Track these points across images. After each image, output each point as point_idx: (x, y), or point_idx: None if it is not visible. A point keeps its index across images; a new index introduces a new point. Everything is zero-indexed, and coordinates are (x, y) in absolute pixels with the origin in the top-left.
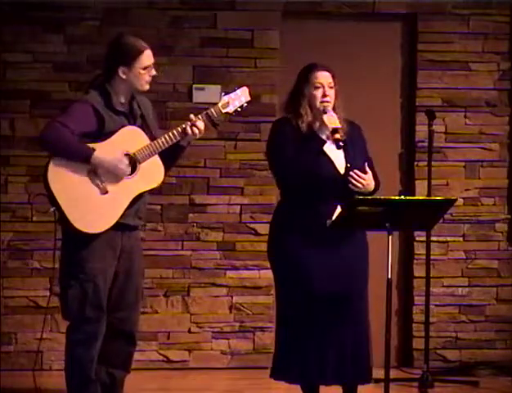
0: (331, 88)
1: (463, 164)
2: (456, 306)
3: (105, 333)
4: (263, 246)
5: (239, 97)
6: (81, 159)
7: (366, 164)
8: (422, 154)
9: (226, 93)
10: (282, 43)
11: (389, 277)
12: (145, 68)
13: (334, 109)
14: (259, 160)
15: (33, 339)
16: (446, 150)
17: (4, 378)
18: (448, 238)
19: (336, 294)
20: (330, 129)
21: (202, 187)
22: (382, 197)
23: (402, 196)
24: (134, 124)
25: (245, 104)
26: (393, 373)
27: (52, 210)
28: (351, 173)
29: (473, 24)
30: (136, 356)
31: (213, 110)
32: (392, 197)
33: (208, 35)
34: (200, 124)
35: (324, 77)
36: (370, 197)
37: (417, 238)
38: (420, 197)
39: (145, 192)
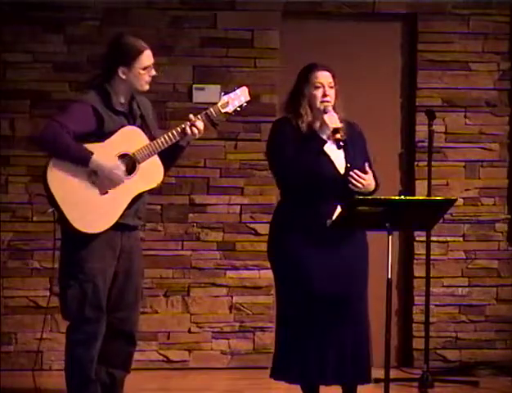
0: (331, 87)
1: (463, 164)
2: (456, 306)
3: (105, 333)
4: (263, 246)
5: (238, 97)
6: (79, 162)
7: (367, 164)
8: (422, 154)
9: (226, 93)
10: (282, 43)
11: (389, 277)
12: (144, 68)
13: (334, 109)
14: (259, 160)
15: (33, 339)
16: (446, 150)
17: (4, 378)
18: (448, 238)
19: (336, 294)
20: (331, 129)
21: (202, 187)
22: (382, 197)
23: (402, 196)
24: (134, 124)
25: (245, 104)
26: (393, 373)
27: (51, 210)
28: (351, 173)
29: (473, 24)
30: (136, 356)
31: (212, 109)
32: (392, 197)
33: (208, 35)
34: (200, 124)
35: (324, 77)
36: (370, 197)
37: (417, 238)
38: (420, 197)
39: (144, 192)
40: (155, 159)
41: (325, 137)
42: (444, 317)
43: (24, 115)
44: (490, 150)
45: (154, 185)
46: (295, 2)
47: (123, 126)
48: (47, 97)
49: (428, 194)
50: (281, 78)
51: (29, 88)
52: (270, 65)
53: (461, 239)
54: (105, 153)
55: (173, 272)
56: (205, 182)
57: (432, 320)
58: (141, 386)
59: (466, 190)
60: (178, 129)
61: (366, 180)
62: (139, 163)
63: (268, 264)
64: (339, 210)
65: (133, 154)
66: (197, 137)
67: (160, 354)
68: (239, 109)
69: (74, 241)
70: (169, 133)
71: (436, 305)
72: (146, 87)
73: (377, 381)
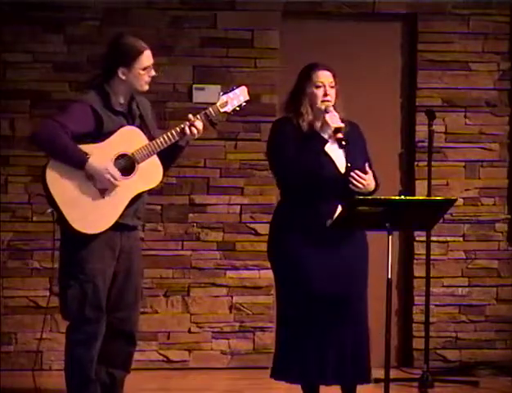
0: (332, 87)
1: (463, 164)
2: (456, 306)
3: (104, 333)
4: (263, 246)
5: (237, 97)
6: (75, 165)
7: (367, 164)
8: (422, 154)
9: (225, 93)
10: (282, 43)
11: (389, 277)
12: (144, 68)
13: (334, 108)
14: (259, 160)
15: (33, 339)
16: (446, 150)
17: (4, 378)
18: (448, 238)
19: (336, 294)
20: (333, 129)
21: (202, 187)
22: (382, 197)
23: (402, 196)
24: (133, 124)
25: (244, 103)
26: (393, 373)
27: (50, 210)
28: (352, 173)
29: (473, 24)
30: (136, 356)
31: (211, 109)
32: (393, 197)
33: (208, 35)
34: (199, 124)
35: (325, 76)
36: (370, 197)
37: (417, 238)
38: (420, 197)
39: (143, 192)
40: (154, 159)
41: (326, 136)
42: (444, 317)
43: (24, 115)
44: (490, 150)
45: (153, 185)
46: (295, 2)
47: (122, 126)
48: (47, 97)
49: (428, 194)
50: (281, 78)
51: (29, 88)
52: (270, 65)
53: (461, 239)
54: (103, 154)
55: (173, 272)
56: (205, 182)
57: (432, 320)
58: (141, 386)
59: (466, 190)
60: (177, 129)
61: (366, 180)
62: (138, 163)
63: (268, 264)
64: (339, 209)
65: (132, 154)
66: (196, 137)
67: (160, 354)
68: (238, 108)
69: (74, 242)
70: (168, 133)
71: (436, 305)
72: (146, 87)
73: (377, 381)
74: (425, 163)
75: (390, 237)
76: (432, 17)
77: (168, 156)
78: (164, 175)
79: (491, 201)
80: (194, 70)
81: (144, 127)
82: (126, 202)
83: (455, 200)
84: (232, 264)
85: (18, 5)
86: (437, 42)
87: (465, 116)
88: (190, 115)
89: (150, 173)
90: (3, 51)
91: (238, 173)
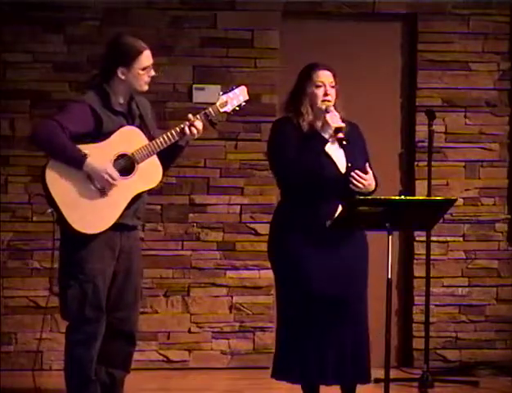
0: (332, 87)
1: (463, 164)
2: (456, 306)
3: (104, 333)
4: (263, 246)
5: (237, 96)
6: (73, 164)
7: (367, 164)
8: (422, 154)
9: (225, 93)
10: (282, 43)
11: (389, 277)
12: (144, 68)
13: (334, 108)
14: (259, 160)
15: (33, 339)
16: (446, 150)
17: (4, 378)
18: (448, 238)
19: (336, 294)
20: (333, 129)
21: (202, 187)
22: (382, 197)
23: (402, 196)
24: (132, 124)
25: (243, 103)
26: (393, 373)
27: (50, 210)
28: (352, 173)
29: (473, 24)
30: (136, 356)
31: (211, 109)
32: (393, 197)
33: (208, 35)
34: (199, 124)
35: (325, 76)
36: (370, 197)
37: (417, 238)
38: (420, 197)
39: (143, 192)
40: (154, 159)
41: (326, 136)
42: (444, 317)
43: (24, 115)
44: (490, 150)
45: (153, 185)
46: (295, 2)
47: (121, 126)
48: (47, 97)
49: (428, 194)
50: (281, 78)
51: (29, 88)
52: (270, 65)
53: (461, 239)
54: (103, 154)
55: (173, 272)
56: (205, 182)
57: (432, 320)
58: (141, 386)
59: (466, 190)
60: (177, 129)
61: (366, 180)
62: (138, 163)
63: (268, 264)
64: (340, 209)
65: (132, 154)
66: (196, 137)
67: (160, 354)
68: (238, 108)
69: (74, 242)
70: (168, 133)
71: (436, 305)
72: (145, 87)
73: (377, 381)
74: (425, 163)
75: (390, 237)
76: (432, 17)
77: (167, 156)
78: (164, 175)
79: (491, 201)
80: (194, 70)
81: (144, 127)
82: (126, 202)
83: (455, 200)
84: (232, 264)
85: (18, 5)
86: (437, 42)
87: (465, 116)
88: (190, 115)
89: (150, 174)
90: (3, 51)
91: (238, 173)
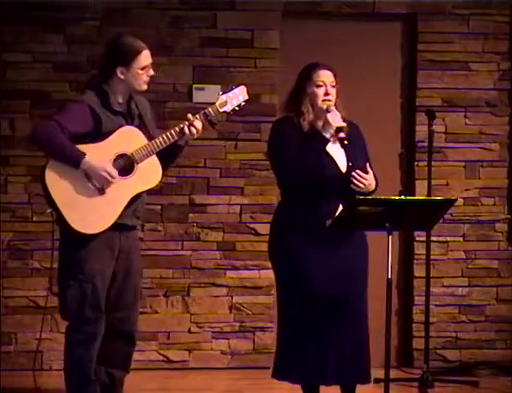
0: (333, 86)
1: (463, 164)
2: (456, 306)
3: (104, 333)
4: (263, 246)
5: (237, 96)
6: (71, 163)
7: (367, 164)
8: (422, 154)
9: (224, 92)
10: (282, 43)
11: (389, 277)
12: (143, 68)
13: (335, 108)
14: (259, 160)
15: (32, 339)
16: (446, 150)
17: (4, 378)
18: (448, 238)
19: (336, 294)
20: (334, 128)
21: (202, 187)
22: (382, 197)
23: (402, 196)
24: (132, 123)
25: (243, 103)
26: (393, 373)
27: (49, 210)
28: (353, 173)
29: (473, 24)
30: (136, 356)
31: (210, 109)
32: (393, 197)
33: (208, 35)
34: (198, 124)
35: (326, 75)
36: (370, 197)
37: (417, 238)
38: (420, 197)
39: (142, 192)
40: (154, 159)
41: (328, 136)
42: (444, 317)
43: (24, 115)
44: (490, 150)
45: (152, 185)
46: (295, 2)
47: (121, 126)
48: (47, 97)
49: (428, 194)
50: (281, 78)
51: (29, 88)
52: (270, 65)
53: (461, 239)
54: (102, 153)
55: (173, 272)
56: (205, 182)
57: (432, 320)
58: (141, 386)
59: (466, 190)
60: (177, 129)
61: (367, 180)
62: (137, 163)
63: (268, 264)
64: (341, 209)
65: (131, 154)
66: (195, 136)
67: (160, 354)
68: (237, 108)
69: (73, 242)
70: (167, 133)
71: (436, 305)
72: (145, 86)
73: (377, 381)
74: (425, 163)
75: (390, 237)
76: (432, 17)
77: (167, 156)
78: (164, 175)
79: (491, 201)
80: (194, 70)
81: (143, 127)
82: (125, 202)
83: (455, 200)
84: (232, 264)
85: (18, 5)
86: (437, 42)
87: (465, 116)
88: (190, 115)
89: (150, 173)
90: (3, 51)
91: (238, 173)
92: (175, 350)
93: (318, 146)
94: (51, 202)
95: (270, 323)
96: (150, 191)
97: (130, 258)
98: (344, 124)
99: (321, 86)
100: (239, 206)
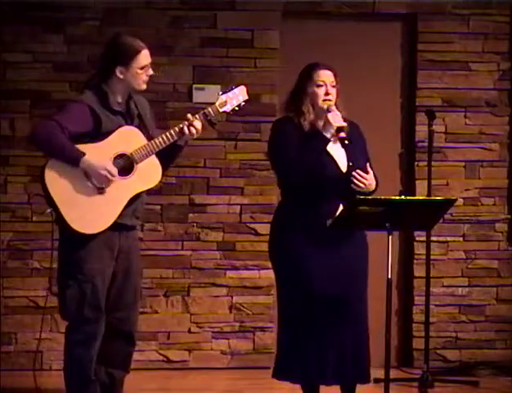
0: (333, 86)
1: (463, 164)
2: (456, 306)
3: (104, 333)
4: (263, 246)
5: (236, 96)
6: (71, 162)
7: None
8: (422, 154)
9: (224, 92)
10: (282, 43)
11: (389, 277)
12: (142, 68)
13: (336, 107)
14: (259, 160)
15: (32, 339)
16: (446, 150)
17: (4, 378)
18: (448, 238)
19: (336, 294)
20: (335, 128)
21: (202, 187)
22: (382, 197)
23: (402, 196)
24: (131, 123)
25: (243, 103)
26: (393, 373)
27: (49, 211)
28: (353, 173)
29: (473, 24)
30: (136, 356)
31: (210, 109)
32: (393, 197)
33: (208, 35)
34: (198, 124)
35: (326, 75)
36: (370, 197)
37: (417, 238)
38: (420, 197)
39: (142, 192)
40: (153, 159)
41: (328, 135)
42: (444, 317)
43: (24, 115)
44: (490, 150)
45: (151, 185)
46: (295, 2)
47: (120, 126)
48: (47, 97)
49: (428, 194)
50: (281, 78)
51: (29, 88)
52: (270, 65)
53: (461, 239)
54: (101, 153)
55: (173, 272)
56: (205, 182)
57: (432, 320)
58: (141, 386)
59: (466, 190)
60: (176, 129)
61: (367, 180)
62: (137, 163)
63: (268, 264)
64: (341, 208)
65: (131, 154)
66: (195, 136)
67: (160, 354)
68: (237, 108)
69: (72, 242)
70: (167, 133)
71: (436, 305)
72: (144, 86)
73: (377, 381)
74: (425, 163)
75: (390, 237)
76: (432, 17)
77: (167, 156)
78: (163, 175)
79: (491, 200)
80: (194, 70)
81: (142, 127)
82: (124, 202)
83: (455, 200)
84: (232, 264)
85: (18, 5)
86: (437, 42)
87: (465, 116)
88: (189, 115)
89: (149, 173)
90: (3, 51)
91: (238, 173)
92: (175, 350)
93: (319, 145)
94: (50, 202)
95: (270, 323)
96: (149, 191)
97: (130, 258)
98: (345, 124)
99: (322, 86)
100: (239, 206)
